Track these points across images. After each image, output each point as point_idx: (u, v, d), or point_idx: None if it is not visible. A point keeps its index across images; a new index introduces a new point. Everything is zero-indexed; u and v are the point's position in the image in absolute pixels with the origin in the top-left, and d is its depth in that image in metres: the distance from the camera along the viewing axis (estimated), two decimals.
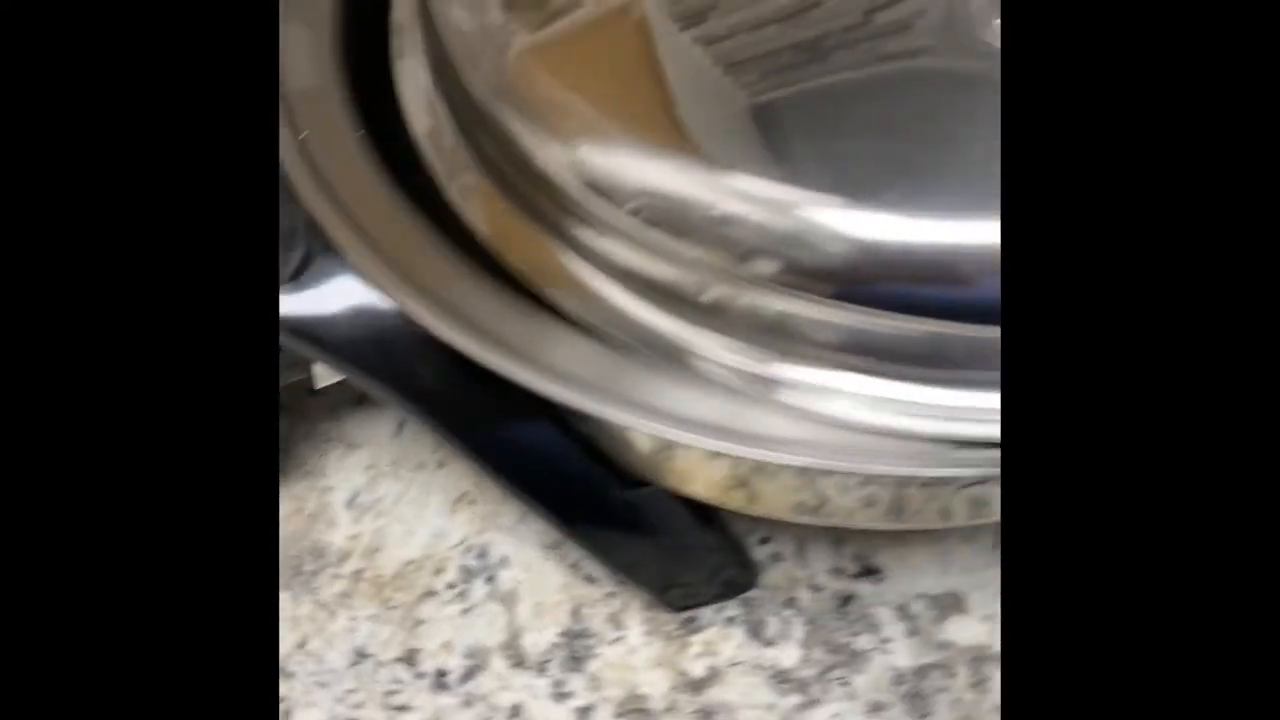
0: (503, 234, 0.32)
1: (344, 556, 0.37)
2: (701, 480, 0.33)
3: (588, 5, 0.31)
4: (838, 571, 0.37)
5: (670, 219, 0.28)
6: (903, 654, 0.35)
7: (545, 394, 0.29)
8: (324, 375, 0.35)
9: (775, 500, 0.32)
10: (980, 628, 0.35)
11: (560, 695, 0.35)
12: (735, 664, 0.35)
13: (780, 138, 0.28)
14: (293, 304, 0.32)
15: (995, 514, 0.34)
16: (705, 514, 0.35)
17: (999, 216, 0.26)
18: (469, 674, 0.35)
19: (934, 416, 0.29)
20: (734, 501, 0.33)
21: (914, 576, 0.36)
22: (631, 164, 0.29)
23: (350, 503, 0.38)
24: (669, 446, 0.31)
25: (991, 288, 0.27)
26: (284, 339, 0.32)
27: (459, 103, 0.32)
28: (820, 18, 0.30)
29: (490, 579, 0.37)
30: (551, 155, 0.30)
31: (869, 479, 0.30)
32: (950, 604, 0.36)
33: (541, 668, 0.35)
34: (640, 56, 0.30)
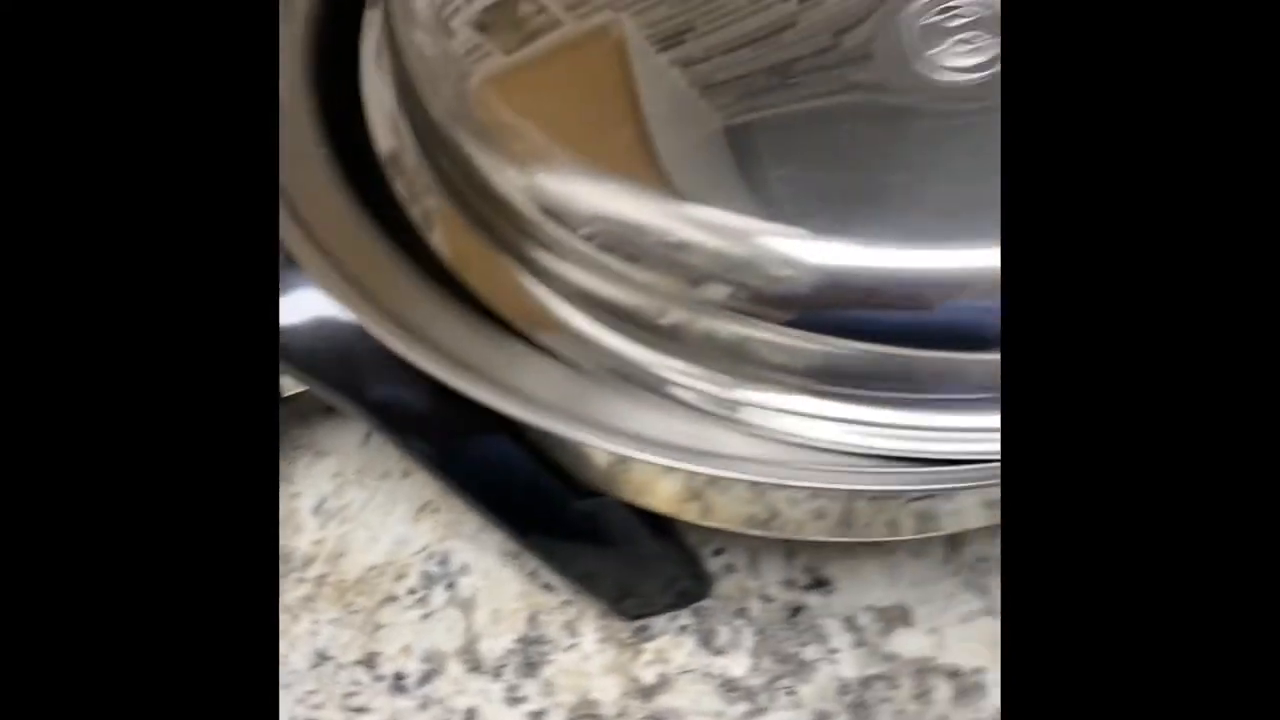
0: (463, 256, 0.32)
1: (309, 561, 0.38)
2: (657, 493, 0.33)
3: (566, 25, 0.31)
4: (789, 583, 0.37)
5: (624, 244, 0.28)
6: (849, 664, 0.36)
7: (506, 412, 0.29)
8: (290, 383, 0.35)
9: (728, 512, 0.33)
10: (925, 640, 0.36)
11: (514, 700, 0.36)
12: (685, 671, 0.36)
13: (747, 162, 0.28)
14: None
15: (942, 528, 0.35)
16: (660, 525, 0.35)
17: (948, 245, 0.27)
18: (426, 677, 0.36)
19: (883, 434, 0.29)
20: (689, 514, 0.34)
21: (863, 589, 0.37)
22: (585, 189, 0.29)
23: (317, 509, 0.39)
24: (625, 460, 0.32)
25: (948, 310, 0.27)
26: None
27: (421, 125, 0.32)
28: (791, 40, 0.30)
29: (450, 585, 0.38)
30: (508, 179, 0.30)
31: (818, 493, 0.31)
32: (897, 616, 0.36)
33: (497, 672, 0.36)
34: (615, 78, 0.30)
